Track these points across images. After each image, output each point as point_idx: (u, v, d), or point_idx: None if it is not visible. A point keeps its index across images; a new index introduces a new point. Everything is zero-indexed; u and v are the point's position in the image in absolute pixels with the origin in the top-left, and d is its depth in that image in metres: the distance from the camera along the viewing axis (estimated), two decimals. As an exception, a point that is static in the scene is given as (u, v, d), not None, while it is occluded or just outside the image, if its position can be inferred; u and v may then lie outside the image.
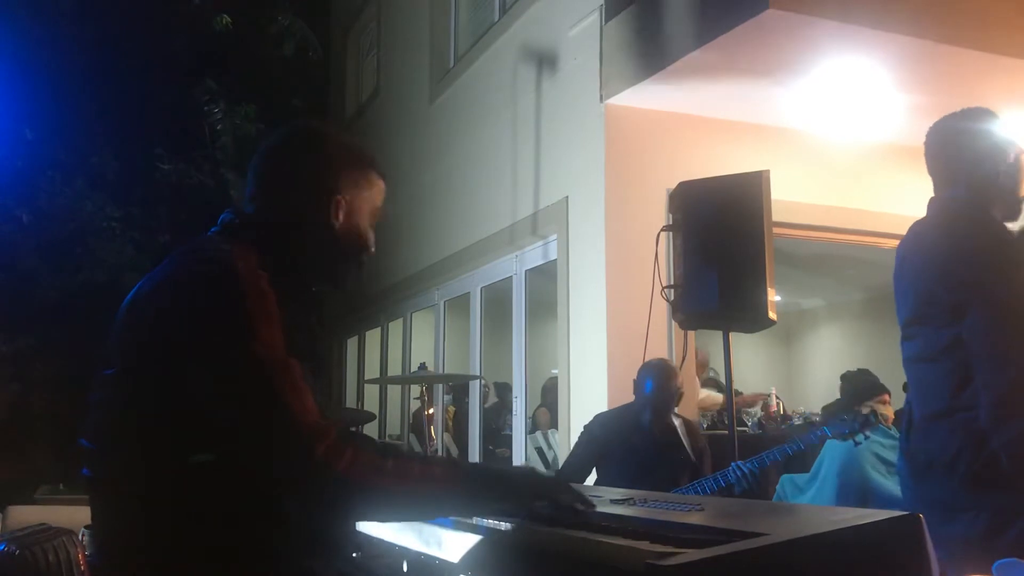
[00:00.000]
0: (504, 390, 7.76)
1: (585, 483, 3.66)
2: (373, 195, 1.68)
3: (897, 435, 3.15)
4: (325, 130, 1.73)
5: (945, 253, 2.22)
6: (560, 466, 3.86)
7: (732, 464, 3.30)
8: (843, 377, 4.88)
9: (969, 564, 1.79)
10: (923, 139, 2.43)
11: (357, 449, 1.34)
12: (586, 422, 3.79)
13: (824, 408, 7.43)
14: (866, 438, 3.27)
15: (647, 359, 3.77)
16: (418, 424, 7.49)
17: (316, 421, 1.33)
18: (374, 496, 1.37)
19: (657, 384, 3.61)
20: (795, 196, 4.76)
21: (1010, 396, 2.05)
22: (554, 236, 5.31)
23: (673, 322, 4.12)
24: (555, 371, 5.72)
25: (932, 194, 2.41)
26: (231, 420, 1.34)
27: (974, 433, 2.09)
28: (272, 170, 1.65)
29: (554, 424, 6.35)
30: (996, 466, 2.06)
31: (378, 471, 1.35)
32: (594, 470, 3.68)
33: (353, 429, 1.43)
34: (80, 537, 3.40)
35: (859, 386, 4.55)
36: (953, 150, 2.35)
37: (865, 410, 3.40)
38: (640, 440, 3.56)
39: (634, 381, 3.75)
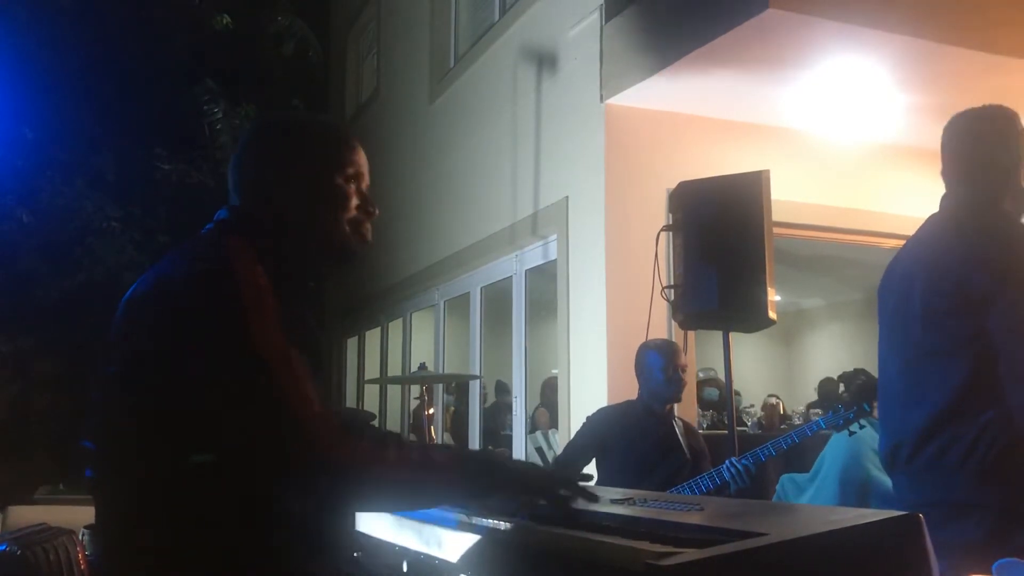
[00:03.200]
0: (502, 390, 7.76)
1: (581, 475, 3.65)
2: (352, 162, 1.64)
3: None
4: (291, 115, 1.73)
5: (978, 243, 2.19)
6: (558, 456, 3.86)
7: (726, 461, 3.31)
8: (841, 377, 4.88)
9: (973, 567, 1.77)
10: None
11: (358, 439, 1.34)
12: (589, 414, 3.78)
13: (809, 406, 7.45)
14: (861, 427, 3.28)
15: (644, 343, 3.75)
16: (418, 424, 7.49)
17: (317, 411, 1.33)
18: (375, 485, 1.37)
19: (666, 363, 3.58)
20: (795, 196, 4.76)
21: None
22: (554, 236, 5.31)
23: (673, 322, 4.12)
24: (555, 371, 5.72)
25: (939, 192, 2.40)
26: (231, 416, 1.34)
27: (989, 426, 2.06)
28: (247, 162, 1.64)
29: (554, 424, 6.35)
30: (1010, 461, 2.03)
31: (379, 460, 1.35)
32: (594, 465, 3.68)
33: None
34: (80, 537, 3.40)
35: (860, 386, 4.55)
36: (969, 145, 2.34)
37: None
38: (641, 438, 3.56)
39: (636, 362, 3.71)
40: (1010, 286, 2.09)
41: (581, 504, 1.50)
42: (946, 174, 2.39)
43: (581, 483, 1.53)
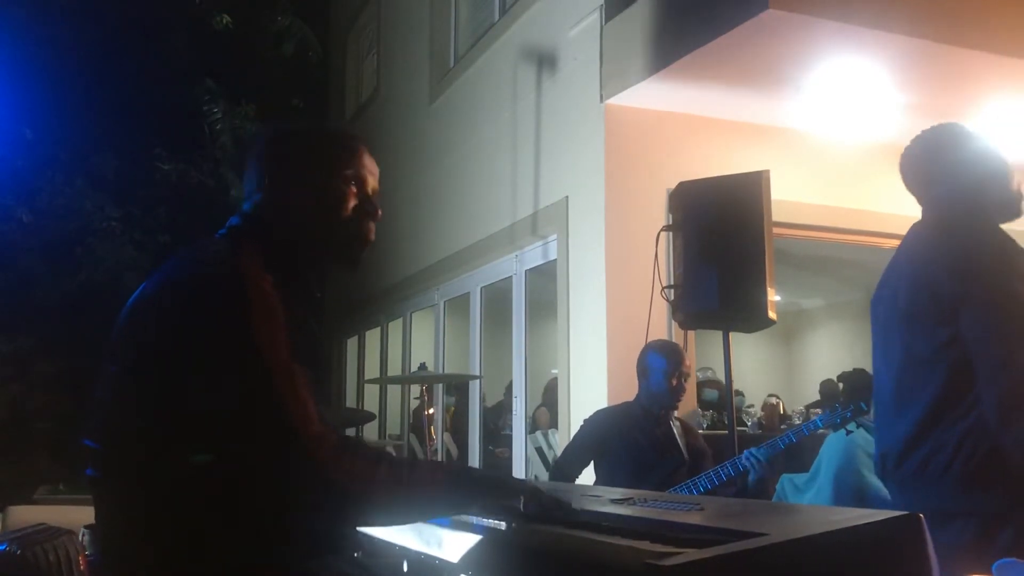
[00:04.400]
0: (510, 392, 7.75)
1: (581, 478, 3.66)
2: (350, 164, 1.66)
3: None
4: (297, 125, 1.75)
5: (949, 248, 2.22)
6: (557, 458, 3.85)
7: (745, 452, 3.31)
8: (841, 377, 4.88)
9: (960, 571, 1.78)
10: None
11: (353, 457, 1.36)
12: (586, 417, 3.78)
13: (808, 406, 7.45)
14: (858, 427, 3.29)
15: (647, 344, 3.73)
16: (418, 424, 7.48)
17: (316, 429, 1.34)
18: (368, 503, 1.40)
19: (670, 369, 3.56)
20: (795, 196, 4.76)
21: (1017, 392, 2.02)
22: (554, 236, 5.31)
23: (673, 322, 4.11)
24: (555, 371, 5.72)
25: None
26: (232, 424, 1.35)
27: (969, 433, 2.07)
28: (253, 172, 1.66)
29: (554, 424, 6.34)
30: (991, 467, 2.04)
31: (372, 479, 1.37)
32: (593, 467, 3.67)
33: (351, 431, 1.45)
34: (80, 537, 3.39)
35: (857, 385, 4.55)
36: (935, 160, 2.37)
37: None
38: (640, 438, 3.55)
39: (639, 362, 3.70)
40: (975, 291, 2.10)
41: (563, 507, 1.52)
42: (915, 193, 2.42)
43: (549, 493, 1.56)
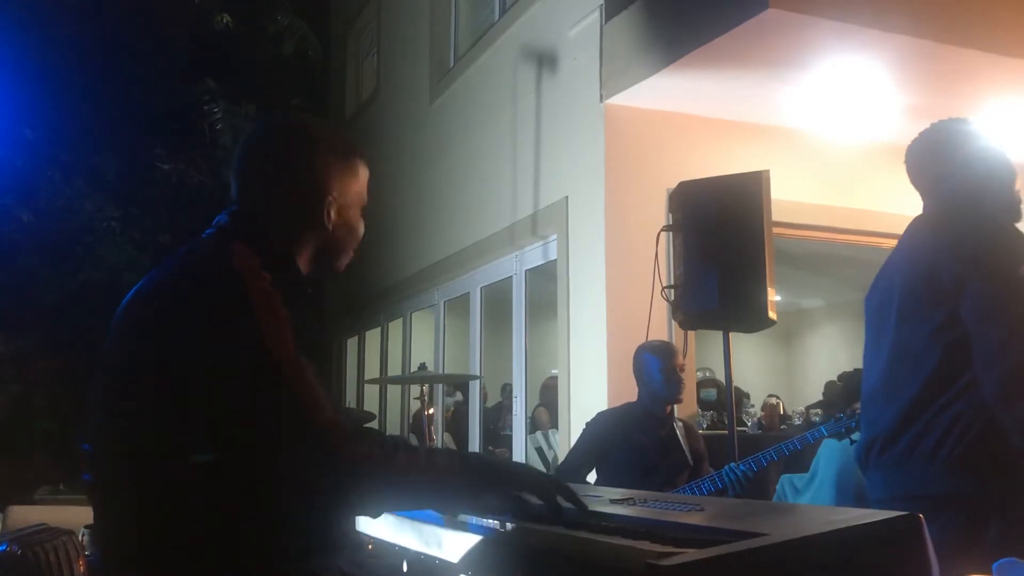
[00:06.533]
0: (508, 394, 7.76)
1: (585, 481, 3.65)
2: (360, 185, 1.67)
3: None
4: (306, 125, 1.67)
5: (953, 232, 2.22)
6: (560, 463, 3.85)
7: (726, 466, 3.31)
8: (841, 377, 4.88)
9: (948, 561, 1.77)
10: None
11: (370, 442, 1.37)
12: (587, 420, 3.78)
13: (808, 407, 7.46)
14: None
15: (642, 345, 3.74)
16: (418, 424, 7.48)
17: (330, 416, 1.36)
18: (384, 486, 1.40)
19: (664, 364, 3.57)
20: (795, 196, 4.76)
21: (1017, 373, 2.01)
22: (554, 236, 5.31)
23: (673, 322, 4.12)
24: (555, 371, 5.72)
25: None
26: (243, 421, 1.34)
27: (961, 416, 2.06)
28: (257, 170, 1.62)
29: (554, 424, 6.35)
30: (982, 451, 2.03)
31: (388, 462, 1.38)
32: (595, 469, 3.67)
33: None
34: (80, 537, 3.40)
35: (854, 386, 4.55)
36: (942, 154, 2.36)
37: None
38: (641, 440, 3.55)
39: (634, 365, 3.71)
40: (978, 271, 2.09)
41: (571, 507, 1.50)
42: (919, 187, 2.42)
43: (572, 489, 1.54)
